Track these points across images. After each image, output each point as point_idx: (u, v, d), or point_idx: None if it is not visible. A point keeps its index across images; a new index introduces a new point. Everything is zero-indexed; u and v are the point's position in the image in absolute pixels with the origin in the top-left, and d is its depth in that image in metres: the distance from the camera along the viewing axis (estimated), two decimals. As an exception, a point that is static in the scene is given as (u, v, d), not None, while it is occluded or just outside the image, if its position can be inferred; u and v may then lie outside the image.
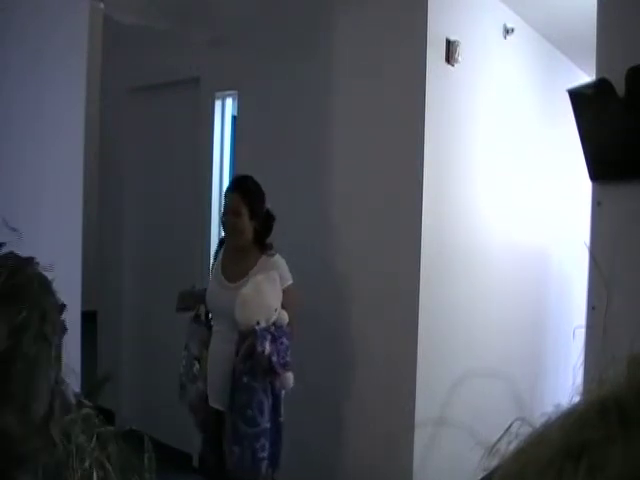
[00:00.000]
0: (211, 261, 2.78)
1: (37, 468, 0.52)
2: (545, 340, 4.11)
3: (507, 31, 3.30)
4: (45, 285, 0.60)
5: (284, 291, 2.38)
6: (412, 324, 2.75)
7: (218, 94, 3.62)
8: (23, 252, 0.61)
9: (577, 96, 2.11)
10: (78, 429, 0.57)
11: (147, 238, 4.07)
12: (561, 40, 3.74)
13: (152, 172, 4.04)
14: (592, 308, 1.98)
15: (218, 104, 3.63)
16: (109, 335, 4.21)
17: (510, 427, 0.35)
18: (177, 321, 2.83)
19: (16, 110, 2.07)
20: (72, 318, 0.63)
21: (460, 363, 2.94)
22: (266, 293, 2.30)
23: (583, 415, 0.31)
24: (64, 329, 0.60)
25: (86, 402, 0.60)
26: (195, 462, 3.47)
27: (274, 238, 2.53)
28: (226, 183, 3.58)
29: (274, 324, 2.31)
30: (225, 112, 3.67)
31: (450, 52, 2.84)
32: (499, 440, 0.35)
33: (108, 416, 0.69)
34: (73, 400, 0.59)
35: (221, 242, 2.71)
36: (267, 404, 2.31)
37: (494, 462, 0.35)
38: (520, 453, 0.33)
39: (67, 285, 0.62)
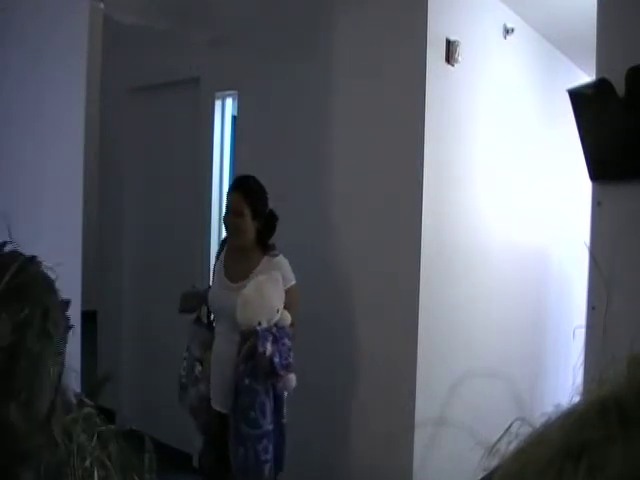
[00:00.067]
0: (212, 261, 2.77)
1: (39, 465, 0.52)
2: (545, 340, 4.11)
3: (507, 31, 3.30)
4: (48, 284, 0.60)
5: (287, 291, 2.36)
6: (412, 324, 2.75)
7: (218, 94, 3.62)
8: (23, 252, 0.61)
9: (577, 96, 2.11)
10: (79, 428, 0.57)
11: (147, 238, 4.07)
12: (561, 40, 3.73)
13: (152, 172, 4.04)
14: (592, 308, 1.98)
15: (218, 104, 3.63)
16: (109, 335, 4.21)
17: (510, 427, 0.35)
18: (177, 321, 2.83)
19: (16, 110, 2.07)
20: (72, 318, 0.63)
21: (460, 363, 2.94)
22: (268, 293, 2.28)
23: (583, 415, 0.31)
24: (69, 325, 0.60)
25: (87, 401, 0.61)
26: (195, 462, 3.46)
27: (274, 238, 2.53)
28: (226, 183, 3.58)
29: (276, 325, 2.28)
30: (225, 112, 3.67)
31: (450, 52, 2.85)
32: (499, 440, 0.35)
33: (109, 416, 0.69)
34: (74, 399, 0.60)
35: (223, 242, 2.68)
36: (269, 406, 2.29)
37: (494, 462, 0.35)
38: (520, 453, 0.33)
39: (67, 285, 0.62)
